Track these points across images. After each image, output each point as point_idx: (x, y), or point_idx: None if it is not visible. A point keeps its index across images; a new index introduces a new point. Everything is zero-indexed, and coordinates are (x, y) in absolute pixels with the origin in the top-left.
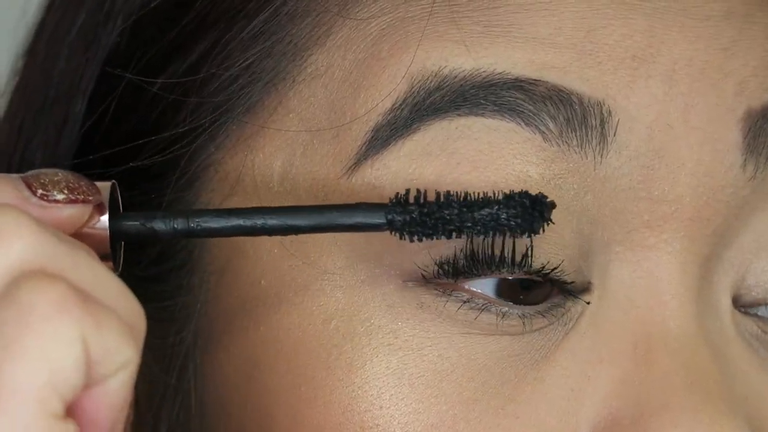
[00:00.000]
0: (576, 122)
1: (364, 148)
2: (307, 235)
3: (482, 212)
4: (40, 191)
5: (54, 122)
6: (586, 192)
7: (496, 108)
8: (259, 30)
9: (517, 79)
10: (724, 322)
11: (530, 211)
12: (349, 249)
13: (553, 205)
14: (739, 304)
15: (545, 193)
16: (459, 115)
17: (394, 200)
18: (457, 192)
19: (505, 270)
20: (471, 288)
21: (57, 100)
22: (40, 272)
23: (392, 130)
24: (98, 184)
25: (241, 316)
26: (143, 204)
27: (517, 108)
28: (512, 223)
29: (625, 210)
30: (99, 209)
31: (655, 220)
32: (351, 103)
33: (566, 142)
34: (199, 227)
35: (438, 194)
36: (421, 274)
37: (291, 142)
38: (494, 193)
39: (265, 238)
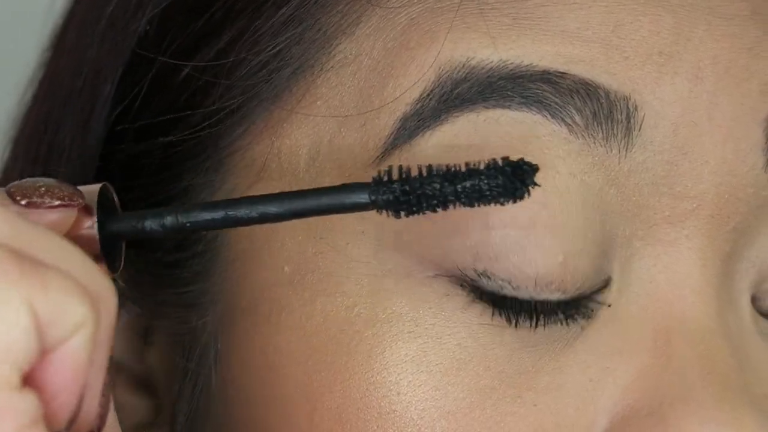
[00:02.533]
0: (602, 116)
1: (391, 138)
2: (335, 221)
3: (465, 184)
4: (23, 200)
5: (82, 109)
6: (610, 186)
7: (522, 100)
8: (289, 17)
9: (544, 72)
10: (744, 320)
11: (512, 178)
12: (376, 239)
13: (535, 170)
14: (756, 306)
15: (572, 192)
16: (486, 107)
17: (377, 178)
18: (438, 165)
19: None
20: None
21: (85, 87)
22: None
23: (420, 120)
24: (89, 186)
25: (264, 302)
26: (170, 192)
27: (544, 100)
28: (495, 192)
29: (647, 205)
30: (88, 211)
31: (677, 216)
32: (379, 91)
33: (592, 135)
34: (188, 223)
35: (420, 168)
36: (457, 266)
37: (318, 128)
38: (476, 163)
39: (288, 224)
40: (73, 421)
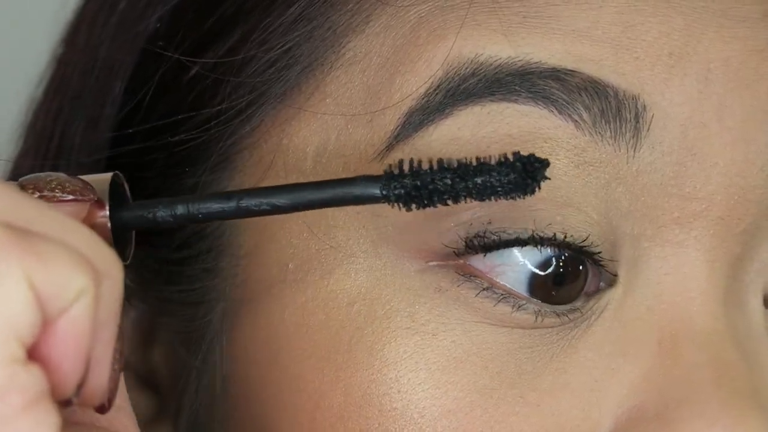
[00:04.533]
0: (610, 114)
1: (396, 131)
2: (336, 218)
3: (476, 180)
4: (35, 194)
5: (92, 106)
6: (618, 184)
7: (530, 95)
8: (299, 15)
9: (553, 69)
10: (754, 322)
11: (523, 174)
12: (375, 232)
13: (546, 165)
14: None
15: (572, 177)
16: (492, 100)
17: (388, 172)
18: (449, 160)
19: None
20: (504, 283)
21: (96, 85)
22: None
23: (425, 114)
24: (100, 176)
25: (268, 299)
26: (178, 189)
27: (552, 96)
28: (506, 188)
29: (656, 206)
30: (99, 204)
31: (685, 217)
32: (387, 88)
33: (599, 133)
34: (200, 214)
35: (430, 163)
36: (453, 251)
37: (326, 126)
38: (487, 158)
39: (294, 223)
40: (80, 387)
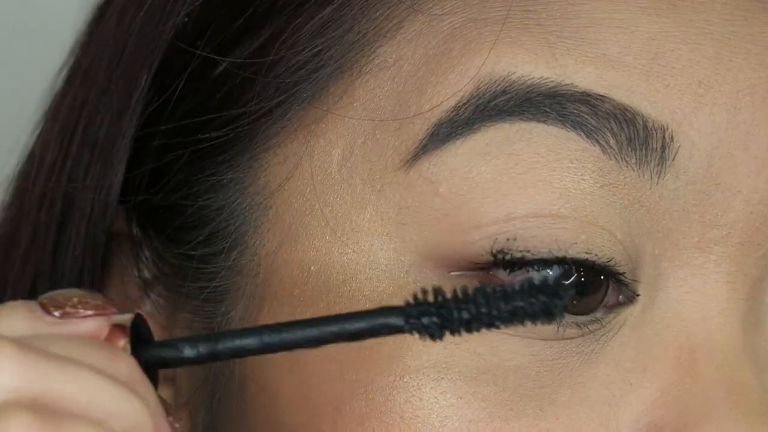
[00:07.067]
0: (637, 142)
1: (424, 142)
2: (360, 224)
3: (501, 309)
4: (57, 311)
5: (119, 100)
6: (640, 206)
7: (560, 118)
8: (330, 18)
9: (584, 93)
10: None
11: (548, 301)
12: (398, 240)
13: (569, 293)
14: None
15: (597, 197)
16: (521, 119)
17: (412, 303)
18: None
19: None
20: None
21: (122, 78)
22: (5, 404)
23: (453, 127)
24: (121, 316)
25: (289, 300)
26: (201, 186)
27: (581, 121)
28: (531, 314)
29: (677, 230)
30: (121, 331)
31: (706, 242)
32: (416, 97)
33: (625, 159)
34: (225, 349)
35: (455, 293)
36: (477, 265)
37: (353, 130)
38: (510, 286)
39: (317, 225)
40: None
